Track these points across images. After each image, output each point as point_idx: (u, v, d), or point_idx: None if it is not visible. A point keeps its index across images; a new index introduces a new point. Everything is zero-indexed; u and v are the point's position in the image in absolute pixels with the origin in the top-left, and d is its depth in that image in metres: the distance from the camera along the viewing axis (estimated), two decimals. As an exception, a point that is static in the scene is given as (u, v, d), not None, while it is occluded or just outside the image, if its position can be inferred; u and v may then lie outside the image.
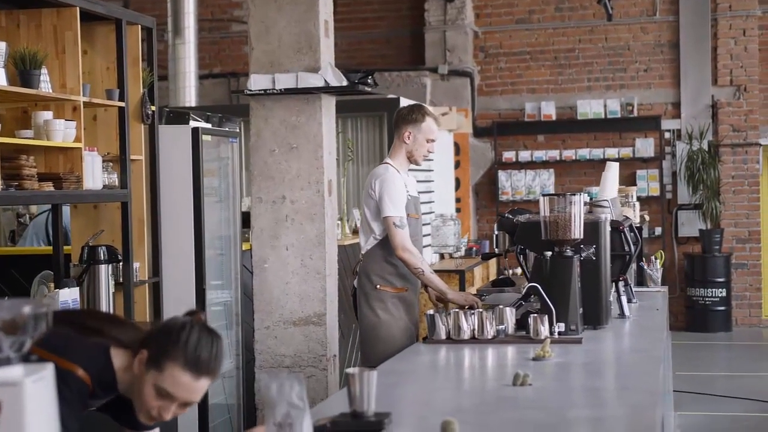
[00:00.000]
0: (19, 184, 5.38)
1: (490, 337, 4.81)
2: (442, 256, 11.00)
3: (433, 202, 11.16)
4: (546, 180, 13.93)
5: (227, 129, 7.89)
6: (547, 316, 4.81)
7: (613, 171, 6.55)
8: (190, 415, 6.90)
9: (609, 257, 5.31)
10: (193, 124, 7.25)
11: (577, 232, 4.97)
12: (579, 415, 3.50)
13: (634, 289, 6.35)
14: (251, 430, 3.07)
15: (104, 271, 6.08)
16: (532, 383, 3.80)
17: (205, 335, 2.98)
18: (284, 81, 6.03)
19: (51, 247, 6.47)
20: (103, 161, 6.14)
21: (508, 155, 14.04)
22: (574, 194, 5.01)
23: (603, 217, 5.31)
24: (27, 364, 2.08)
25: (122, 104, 6.26)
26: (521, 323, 4.92)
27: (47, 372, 2.07)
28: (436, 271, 5.99)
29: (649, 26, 13.89)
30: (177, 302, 6.61)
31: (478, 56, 14.25)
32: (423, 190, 10.40)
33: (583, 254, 5.06)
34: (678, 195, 13.74)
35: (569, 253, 4.99)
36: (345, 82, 6.01)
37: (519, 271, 6.16)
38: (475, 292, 6.32)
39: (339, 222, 8.60)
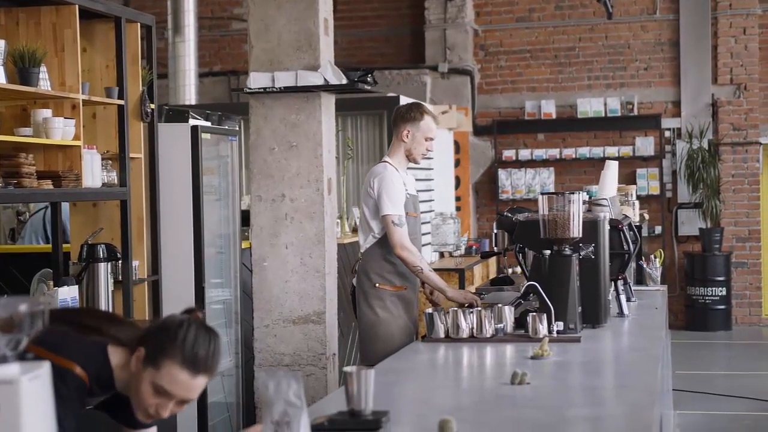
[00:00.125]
0: (18, 182, 5.38)
1: (488, 335, 4.81)
2: (441, 255, 11.00)
3: (433, 200, 11.16)
4: (546, 178, 13.93)
5: (227, 127, 7.88)
6: (545, 314, 4.81)
7: (612, 170, 6.55)
8: (189, 413, 6.90)
9: (608, 256, 5.30)
10: (192, 122, 7.25)
11: (576, 230, 4.97)
12: (577, 413, 3.50)
13: (633, 288, 6.35)
14: (250, 429, 3.07)
15: (103, 270, 6.08)
16: (530, 382, 3.80)
17: (203, 333, 2.98)
18: (284, 79, 6.02)
19: (50, 246, 6.47)
20: (103, 159, 6.13)
21: (508, 154, 14.04)
22: (573, 193, 5.01)
23: (602, 216, 5.31)
24: (23, 362, 2.08)
25: (121, 102, 6.26)
26: (520, 322, 4.92)
27: (44, 370, 2.07)
28: (435, 270, 5.99)
29: (649, 24, 13.88)
30: (176, 300, 6.61)
31: (478, 54, 14.24)
32: (423, 188, 10.40)
33: (582, 253, 5.06)
34: (678, 194, 13.74)
35: (568, 251, 4.99)
36: (345, 81, 6.00)
37: (519, 269, 6.16)
38: (474, 291, 6.32)
39: (338, 220, 8.60)
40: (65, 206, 6.70)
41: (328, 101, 6.22)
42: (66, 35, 5.84)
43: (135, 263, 6.42)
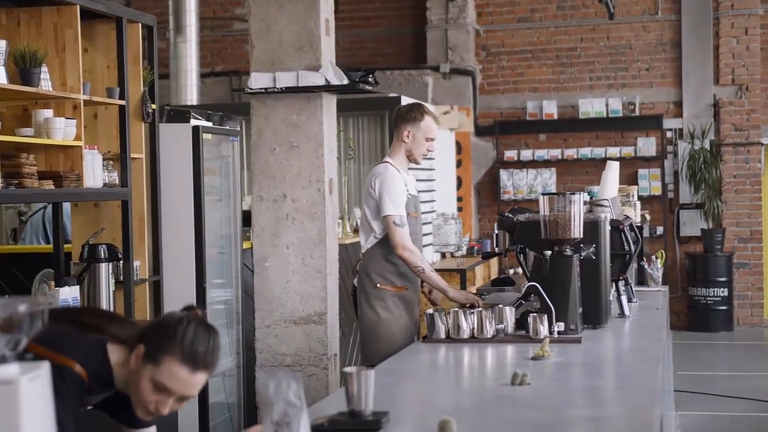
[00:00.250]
0: (19, 183, 5.38)
1: (489, 336, 4.81)
2: (443, 255, 11.00)
3: (434, 201, 11.16)
4: (548, 179, 13.93)
5: (228, 127, 7.89)
6: (546, 315, 4.80)
7: (613, 170, 6.54)
8: (190, 413, 6.91)
9: (609, 256, 5.30)
10: (193, 122, 7.25)
11: (577, 231, 4.97)
12: (577, 414, 3.50)
13: (634, 289, 6.35)
14: (250, 429, 3.07)
15: (105, 270, 6.08)
16: (530, 383, 3.80)
17: (202, 330, 2.99)
18: (285, 79, 6.02)
19: (51, 246, 6.47)
20: (104, 159, 6.13)
21: (510, 154, 14.04)
22: (574, 193, 5.01)
23: (603, 217, 5.31)
24: (23, 363, 2.08)
25: (123, 102, 6.26)
26: (521, 322, 4.92)
27: (43, 370, 2.07)
28: (437, 270, 5.99)
29: (650, 25, 13.88)
30: (177, 301, 6.58)
31: (479, 55, 14.24)
32: (424, 189, 10.40)
33: (583, 253, 5.05)
34: (680, 194, 13.73)
35: (569, 252, 4.99)
36: (346, 81, 6.00)
37: (520, 270, 6.17)
38: (475, 291, 6.32)
39: (340, 221, 8.60)
40: (66, 206, 6.70)
41: (330, 102, 6.22)
42: (67, 35, 5.84)
43: (136, 263, 6.42)
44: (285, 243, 6.12)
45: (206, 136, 7.07)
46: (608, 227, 5.32)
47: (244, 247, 7.56)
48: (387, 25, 14.64)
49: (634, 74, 13.95)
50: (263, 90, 6.05)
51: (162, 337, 2.97)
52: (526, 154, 13.98)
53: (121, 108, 6.27)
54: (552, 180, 13.93)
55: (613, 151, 13.67)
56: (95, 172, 5.96)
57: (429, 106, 6.47)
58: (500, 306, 4.94)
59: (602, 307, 5.18)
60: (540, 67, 14.16)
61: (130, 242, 6.30)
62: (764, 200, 13.80)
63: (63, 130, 5.67)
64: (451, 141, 12.83)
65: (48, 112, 5.68)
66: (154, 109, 6.64)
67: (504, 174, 14.03)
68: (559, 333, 4.83)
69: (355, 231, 8.91)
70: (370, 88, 6.27)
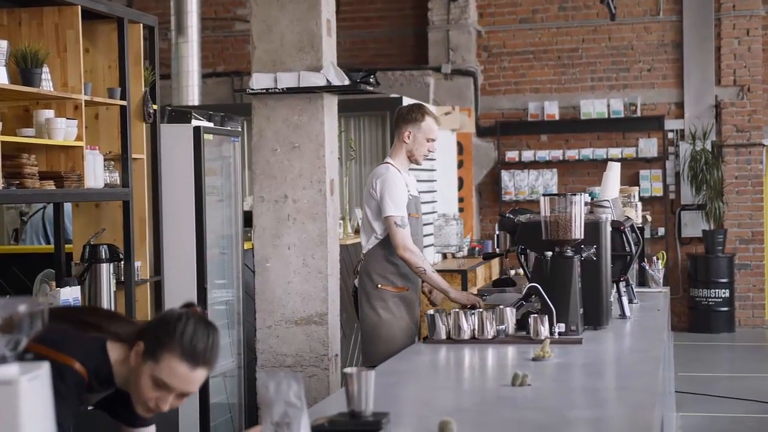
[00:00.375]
0: (21, 183, 5.38)
1: (490, 337, 4.81)
2: (444, 256, 10.99)
3: (435, 201, 11.16)
4: (549, 180, 13.92)
5: (229, 128, 7.89)
6: (547, 316, 4.80)
7: (614, 171, 6.54)
8: (191, 414, 6.91)
9: (610, 257, 5.30)
10: (195, 123, 7.25)
11: (578, 232, 4.96)
12: (578, 415, 3.50)
13: (635, 290, 6.35)
14: (251, 430, 3.07)
15: (106, 270, 6.08)
16: (531, 383, 3.80)
17: (201, 326, 3.00)
18: (286, 80, 6.02)
19: (53, 246, 6.48)
20: (105, 160, 6.14)
21: (511, 155, 14.04)
22: (575, 194, 5.01)
23: (604, 218, 5.31)
24: (22, 363, 2.08)
25: (124, 103, 6.26)
26: (522, 323, 4.92)
27: (43, 371, 2.07)
28: (438, 271, 5.99)
29: (652, 26, 13.88)
30: (179, 301, 6.51)
31: (481, 56, 14.24)
32: (426, 189, 10.40)
33: (584, 254, 5.05)
34: (681, 195, 13.73)
35: (570, 253, 4.98)
36: (347, 82, 6.00)
37: (521, 271, 6.17)
38: (476, 292, 6.32)
39: (341, 221, 8.60)
40: (66, 206, 6.70)
41: (331, 102, 6.22)
42: (68, 36, 5.84)
43: (137, 264, 6.42)
44: (286, 243, 6.12)
45: (207, 137, 7.07)
46: (609, 228, 5.32)
47: (245, 247, 7.56)
48: (388, 26, 14.64)
49: (636, 75, 13.95)
50: (264, 90, 6.05)
51: (161, 334, 2.97)
52: (528, 155, 13.98)
53: (123, 108, 6.27)
54: (553, 181, 13.93)
55: (615, 152, 13.66)
56: (96, 173, 5.96)
57: (430, 107, 6.46)
58: (501, 307, 4.94)
59: (603, 308, 5.18)
60: (541, 68, 14.16)
61: (131, 243, 6.30)
62: (766, 201, 13.79)
63: (64, 131, 5.67)
64: (452, 142, 12.83)
65: (49, 113, 5.69)
66: (155, 110, 6.64)
67: (505, 175, 14.03)
68: (559, 334, 4.83)
69: (356, 232, 8.91)
70: (372, 88, 6.27)
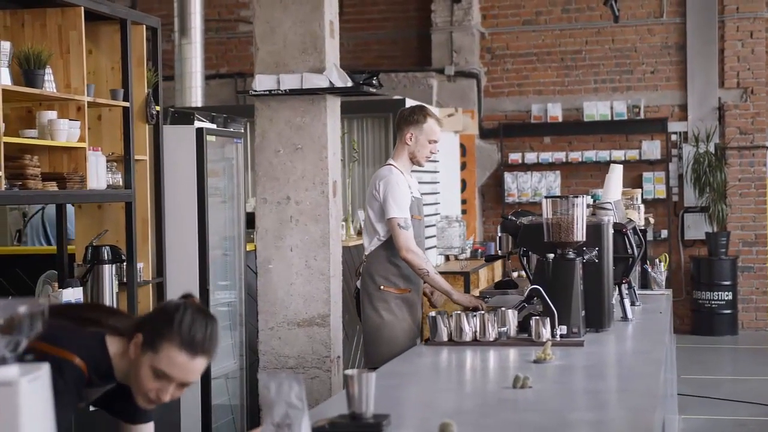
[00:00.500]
0: (23, 184, 5.39)
1: (491, 339, 4.81)
2: (447, 258, 10.99)
3: (438, 203, 11.16)
4: (552, 182, 13.92)
5: (232, 129, 7.89)
6: (549, 318, 4.80)
7: (616, 173, 6.54)
8: (193, 415, 6.91)
9: (612, 260, 5.30)
10: (197, 124, 7.26)
11: (580, 234, 4.96)
12: (579, 417, 3.50)
13: (638, 292, 6.34)
14: (252, 431, 3.07)
15: (108, 271, 6.09)
16: (532, 386, 3.79)
17: (200, 316, 3.02)
18: (289, 82, 6.02)
19: (55, 247, 6.49)
20: (108, 161, 6.15)
21: (514, 157, 14.03)
22: (577, 197, 5.00)
23: (606, 220, 5.30)
24: (22, 364, 2.08)
25: (127, 104, 6.27)
26: (523, 326, 4.92)
27: (43, 372, 2.07)
28: (441, 273, 5.99)
29: (656, 28, 13.87)
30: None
31: (484, 57, 14.24)
32: (428, 191, 10.40)
33: (586, 257, 5.05)
34: (684, 197, 13.72)
35: (572, 255, 4.98)
36: (350, 83, 6.00)
37: (524, 273, 6.16)
38: (478, 294, 6.32)
39: (343, 223, 8.60)
40: (67, 207, 6.71)
41: (334, 104, 6.22)
42: (71, 37, 5.85)
43: (139, 265, 6.43)
44: (289, 245, 6.12)
45: (210, 138, 7.08)
46: (611, 230, 5.31)
47: (247, 249, 7.56)
48: (392, 28, 14.64)
49: (639, 77, 13.94)
50: (267, 92, 6.05)
51: (160, 325, 2.99)
52: (531, 157, 13.97)
53: (125, 110, 6.28)
54: (556, 183, 13.92)
55: (618, 154, 13.65)
56: (99, 174, 5.97)
57: (432, 109, 6.47)
58: (503, 309, 4.93)
59: (605, 311, 5.18)
60: (545, 70, 14.16)
61: (133, 244, 6.31)
62: (769, 204, 13.79)
63: (67, 132, 5.68)
64: (455, 143, 12.82)
65: (52, 114, 5.69)
66: (158, 111, 6.65)
67: (508, 177, 14.02)
68: (561, 336, 4.82)
69: (359, 233, 8.91)
70: (374, 90, 6.27)
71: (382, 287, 5.75)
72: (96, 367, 3.03)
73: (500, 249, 5.79)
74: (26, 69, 5.48)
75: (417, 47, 14.51)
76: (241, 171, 7.64)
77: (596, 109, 13.83)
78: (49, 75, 5.62)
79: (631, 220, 6.34)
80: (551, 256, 4.99)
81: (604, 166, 13.05)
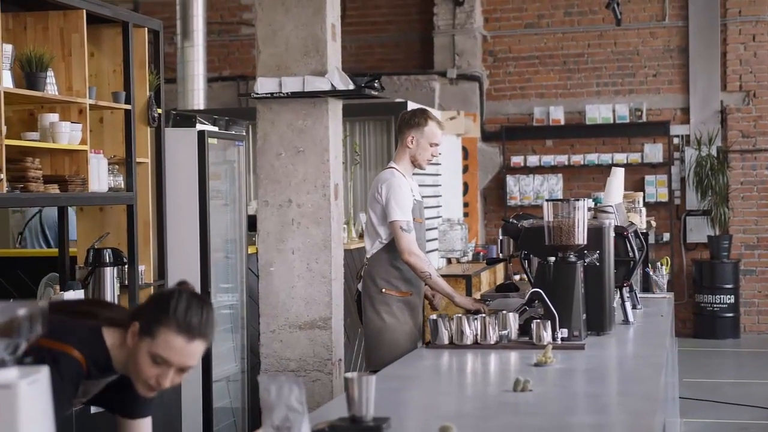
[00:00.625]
0: (25, 187, 5.40)
1: (492, 342, 4.81)
2: (449, 261, 10.99)
3: (440, 206, 11.16)
4: (554, 185, 13.92)
5: (233, 132, 7.90)
6: (550, 321, 4.80)
7: (618, 177, 6.54)
8: (195, 418, 6.91)
9: (613, 263, 5.30)
10: (199, 127, 7.26)
11: (581, 237, 4.96)
12: (579, 421, 3.50)
13: (639, 296, 6.34)
14: (255, 433, 3.09)
15: (109, 274, 6.09)
16: (532, 389, 3.79)
17: (195, 301, 3.05)
18: (291, 84, 6.03)
19: (57, 250, 6.49)
20: (109, 164, 6.15)
21: (517, 160, 14.03)
22: (578, 200, 5.00)
23: (607, 223, 5.30)
24: (22, 367, 2.08)
25: (128, 107, 6.28)
26: (524, 329, 4.92)
27: (42, 374, 2.08)
28: (442, 276, 5.99)
29: (658, 31, 13.87)
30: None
31: (487, 60, 14.24)
32: (430, 194, 10.40)
33: (587, 260, 5.05)
34: (686, 201, 13.72)
35: (573, 258, 4.98)
36: (352, 86, 6.00)
37: (525, 276, 6.17)
38: (479, 297, 6.32)
39: (345, 226, 8.60)
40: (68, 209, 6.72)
41: (336, 107, 6.23)
42: (73, 40, 5.85)
43: (141, 268, 6.43)
44: (290, 248, 6.12)
45: (212, 141, 7.08)
46: (612, 234, 5.31)
47: (249, 251, 7.57)
48: (394, 31, 14.64)
49: (641, 80, 13.94)
50: (269, 95, 6.06)
51: (156, 311, 3.03)
52: (533, 160, 13.97)
53: (127, 112, 6.29)
54: (559, 186, 13.92)
55: (620, 157, 13.65)
56: (100, 177, 5.98)
57: (434, 112, 6.47)
58: (504, 312, 4.93)
59: (606, 314, 5.18)
60: (547, 73, 14.16)
61: (135, 246, 6.31)
62: (771, 207, 13.78)
63: (68, 135, 5.68)
64: (457, 146, 12.83)
65: (54, 116, 5.70)
66: (159, 114, 6.66)
67: (510, 180, 14.02)
68: (562, 339, 4.82)
69: (361, 236, 8.91)
70: (376, 93, 6.27)
71: (383, 290, 5.76)
72: (94, 359, 3.05)
73: (501, 252, 5.79)
74: (28, 72, 5.49)
75: (419, 50, 14.51)
76: (242, 174, 7.64)
77: (598, 112, 13.83)
78: (50, 78, 5.63)
79: (632, 223, 6.34)
80: (552, 259, 4.98)
81: (606, 169, 13.05)
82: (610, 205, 6.05)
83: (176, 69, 12.21)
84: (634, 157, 13.67)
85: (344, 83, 5.97)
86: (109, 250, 6.13)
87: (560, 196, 13.43)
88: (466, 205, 13.14)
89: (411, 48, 14.62)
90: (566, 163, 13.86)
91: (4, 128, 5.21)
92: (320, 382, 6.10)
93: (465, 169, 13.19)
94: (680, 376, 8.73)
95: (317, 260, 6.09)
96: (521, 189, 13.99)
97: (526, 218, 5.59)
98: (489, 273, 10.92)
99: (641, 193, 8.30)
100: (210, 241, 7.01)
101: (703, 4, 13.62)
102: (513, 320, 4.90)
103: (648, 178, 13.69)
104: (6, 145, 5.27)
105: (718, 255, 13.33)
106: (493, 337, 4.81)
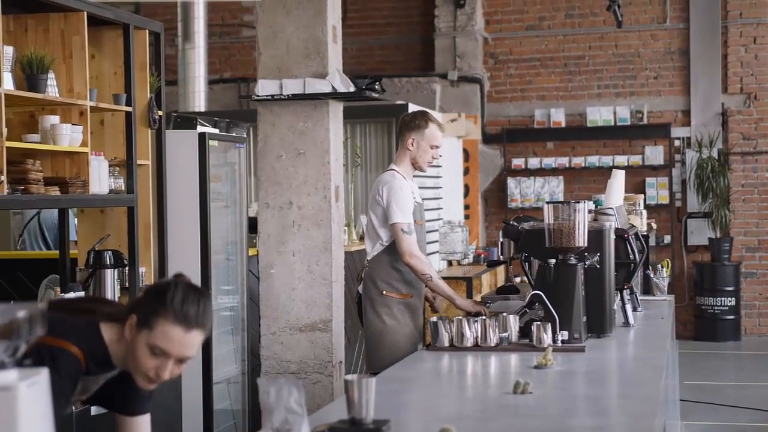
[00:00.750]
0: (26, 189, 5.40)
1: (493, 344, 4.80)
2: (449, 263, 10.99)
3: (441, 208, 11.16)
4: (555, 187, 13.92)
5: (234, 134, 7.90)
6: (550, 324, 4.80)
7: (618, 179, 6.54)
8: (195, 419, 6.91)
9: (613, 265, 5.29)
10: (200, 129, 7.26)
11: (582, 240, 4.96)
12: (578, 423, 3.49)
13: (640, 298, 6.34)
14: (255, 435, 3.10)
15: (110, 276, 6.09)
16: (532, 391, 3.79)
17: (191, 292, 3.06)
18: (292, 86, 6.03)
19: (57, 252, 6.50)
20: (110, 166, 6.15)
21: (518, 162, 14.03)
22: (579, 202, 5.00)
23: (607, 225, 5.30)
24: (21, 369, 2.08)
25: (129, 109, 6.28)
26: (525, 331, 4.91)
27: (42, 377, 2.08)
28: (443, 278, 5.99)
29: (659, 33, 13.87)
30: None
31: (487, 63, 14.25)
32: (431, 196, 10.40)
33: (588, 262, 5.05)
34: (687, 203, 13.71)
35: (573, 261, 4.98)
36: (352, 88, 6.01)
37: (526, 278, 6.17)
38: (479, 299, 6.32)
39: (346, 228, 8.60)
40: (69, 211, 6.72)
41: (336, 109, 6.23)
42: (74, 42, 5.86)
43: (142, 270, 6.43)
44: (291, 250, 6.12)
45: (212, 143, 7.08)
46: (613, 236, 5.31)
47: (250, 253, 7.57)
48: (395, 33, 14.65)
49: (642, 82, 13.94)
50: (270, 97, 6.06)
51: (153, 303, 3.04)
52: (534, 162, 13.97)
53: (128, 114, 6.29)
54: (559, 188, 13.92)
55: (621, 159, 13.65)
56: (101, 179, 5.98)
57: (435, 114, 6.47)
58: (504, 314, 4.93)
59: (606, 316, 5.18)
60: (548, 75, 14.16)
61: (135, 249, 6.31)
62: (772, 209, 13.77)
63: (69, 137, 5.69)
64: (458, 148, 12.83)
65: (54, 119, 5.70)
66: (160, 116, 6.66)
67: (511, 182, 14.02)
68: (562, 342, 4.82)
69: (361, 238, 8.91)
70: (377, 95, 6.27)
71: (384, 292, 5.76)
72: (93, 355, 3.07)
73: (502, 254, 5.79)
74: (29, 74, 5.50)
75: (420, 52, 14.52)
76: (243, 176, 7.64)
77: (599, 115, 13.83)
78: (51, 80, 5.63)
79: (633, 226, 6.34)
80: (553, 261, 4.98)
81: (607, 172, 13.04)
82: (611, 208, 6.05)
83: (177, 71, 12.22)
84: (635, 160, 13.67)
85: (345, 85, 5.97)
86: (109, 252, 6.13)
87: (561, 199, 13.42)
88: (466, 207, 13.14)
89: (412, 50, 14.62)
90: (567, 165, 13.87)
91: (4, 130, 5.22)
92: (321, 385, 6.10)
93: (466, 171, 13.20)
94: (681, 379, 8.73)
95: (318, 262, 6.09)
96: (522, 191, 13.99)
97: (526, 220, 5.59)
98: (490, 275, 10.92)
99: (642, 196, 8.29)
100: (210, 243, 7.01)
101: (704, 6, 13.62)
102: (513, 322, 4.90)
103: (649, 180, 13.69)
104: (7, 147, 5.27)
105: (718, 257, 13.33)
106: (493, 339, 4.81)
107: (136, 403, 3.32)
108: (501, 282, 11.23)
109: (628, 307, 5.68)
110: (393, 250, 5.71)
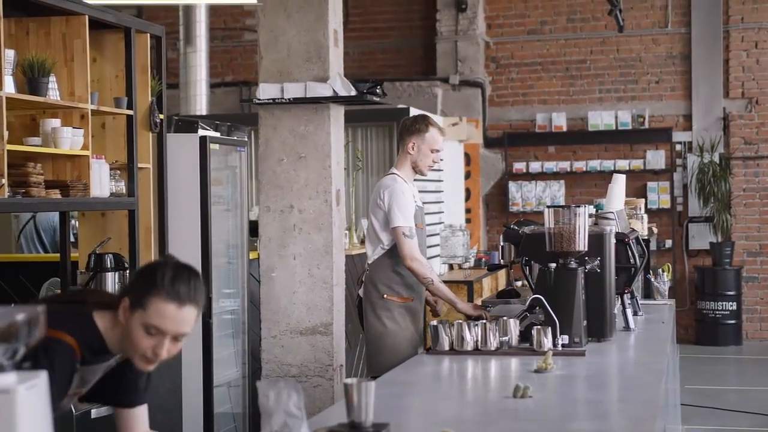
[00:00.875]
0: (27, 192, 5.40)
1: (493, 348, 4.80)
2: (450, 267, 10.99)
3: (442, 212, 11.16)
4: (556, 191, 13.92)
5: (236, 138, 7.90)
6: (550, 328, 4.79)
7: (619, 183, 6.54)
8: (195, 422, 6.91)
9: (614, 269, 5.29)
10: (201, 132, 7.27)
11: (582, 244, 4.96)
12: (579, 427, 3.49)
13: (640, 302, 6.33)
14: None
15: (111, 279, 6.10)
16: (532, 395, 3.79)
17: (181, 269, 3.09)
18: (293, 90, 6.03)
19: (58, 255, 6.50)
20: (111, 169, 6.15)
21: (519, 166, 14.03)
22: (579, 206, 5.00)
23: (608, 230, 5.30)
24: (20, 372, 2.08)
25: (130, 112, 6.28)
26: (525, 335, 4.91)
27: (41, 379, 2.08)
28: (444, 282, 5.99)
29: (660, 38, 13.87)
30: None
31: (489, 67, 14.25)
32: (432, 200, 10.40)
33: (588, 266, 5.05)
34: (689, 207, 13.71)
35: (574, 265, 4.98)
36: (353, 92, 6.01)
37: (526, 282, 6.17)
38: (480, 303, 6.32)
39: (347, 231, 8.60)
40: (55, 215, 6.72)
41: (337, 112, 6.23)
42: (76, 45, 5.86)
43: (142, 273, 6.42)
44: (292, 253, 6.13)
45: (214, 146, 7.09)
46: (613, 240, 5.31)
47: (251, 257, 7.57)
48: (397, 37, 14.66)
49: (644, 87, 13.94)
50: (271, 101, 6.06)
51: (144, 283, 3.07)
52: (535, 166, 13.98)
53: (129, 118, 6.29)
54: (561, 192, 13.92)
55: (623, 163, 13.65)
56: (102, 182, 5.98)
57: (437, 118, 6.47)
58: (504, 318, 4.93)
59: (607, 320, 5.17)
60: (549, 80, 14.16)
61: (136, 252, 6.31)
62: (774, 214, 13.77)
63: (70, 140, 5.69)
64: (459, 152, 12.83)
65: (56, 122, 5.70)
66: (161, 119, 6.66)
67: (513, 186, 14.02)
68: (563, 346, 4.81)
69: (362, 242, 8.91)
70: (378, 99, 6.28)
71: (385, 296, 5.76)
72: (88, 344, 3.09)
73: (503, 258, 5.79)
74: (30, 77, 5.50)
75: (422, 56, 14.52)
76: (244, 179, 7.64)
77: (601, 119, 13.83)
78: (53, 83, 5.64)
79: (633, 230, 6.33)
80: (553, 265, 4.98)
81: (608, 176, 13.00)
82: (612, 212, 6.04)
83: (179, 74, 12.23)
84: (637, 164, 13.67)
85: (346, 89, 5.98)
86: (110, 255, 6.14)
87: (562, 203, 13.42)
88: (468, 211, 13.14)
89: (413, 54, 14.63)
90: (568, 169, 13.87)
91: (6, 133, 5.22)
92: (321, 388, 6.10)
93: (467, 175, 13.20)
94: (682, 383, 8.73)
95: (319, 266, 6.10)
96: (523, 195, 13.99)
97: (527, 224, 5.59)
98: (490, 279, 10.92)
99: (643, 200, 8.29)
100: (212, 246, 7.01)
101: (706, 11, 13.62)
102: (514, 326, 4.90)
103: (650, 184, 13.69)
104: (8, 150, 5.27)
105: (720, 262, 13.33)
106: (493, 343, 4.81)
107: (133, 394, 3.36)
108: (502, 286, 11.22)
109: (629, 312, 5.68)
110: (394, 253, 5.71)
